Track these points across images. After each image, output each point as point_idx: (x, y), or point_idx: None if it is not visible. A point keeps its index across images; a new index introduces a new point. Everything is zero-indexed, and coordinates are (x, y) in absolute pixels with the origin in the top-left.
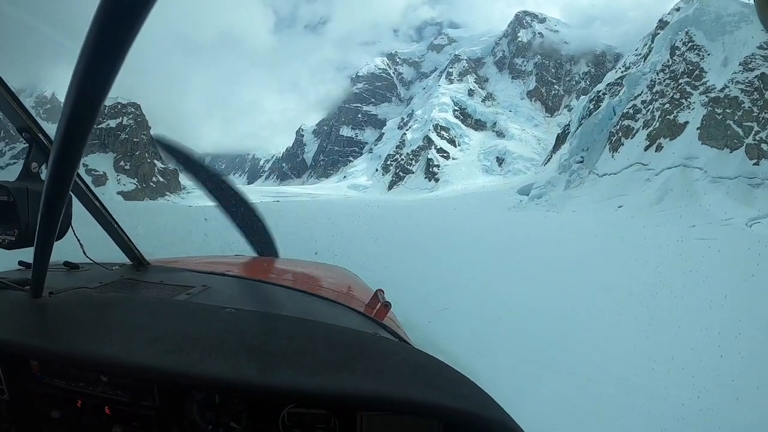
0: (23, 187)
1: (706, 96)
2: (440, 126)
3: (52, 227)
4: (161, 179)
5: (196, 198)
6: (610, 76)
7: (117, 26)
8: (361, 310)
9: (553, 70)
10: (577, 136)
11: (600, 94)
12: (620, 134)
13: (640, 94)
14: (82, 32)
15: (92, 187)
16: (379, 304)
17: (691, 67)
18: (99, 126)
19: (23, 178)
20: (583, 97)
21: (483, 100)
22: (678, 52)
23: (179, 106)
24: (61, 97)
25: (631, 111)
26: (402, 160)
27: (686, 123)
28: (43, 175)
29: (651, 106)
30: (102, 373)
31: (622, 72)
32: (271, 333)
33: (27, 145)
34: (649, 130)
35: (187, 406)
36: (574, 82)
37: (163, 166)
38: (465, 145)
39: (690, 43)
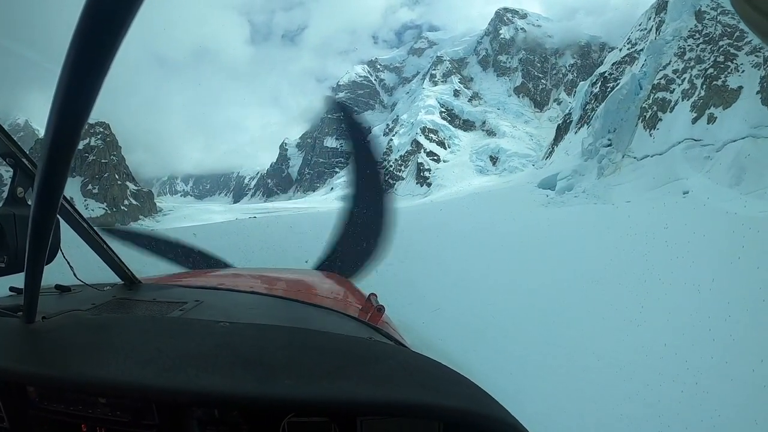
0: (10, 213)
1: (755, 55)
2: (428, 128)
3: (41, 251)
4: (134, 202)
5: (172, 220)
6: (613, 56)
7: (97, 42)
8: (355, 316)
9: (538, 64)
10: (600, 117)
11: (606, 75)
12: (655, 109)
13: (669, 64)
14: (56, 55)
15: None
16: (373, 308)
17: (729, 29)
18: None
19: (9, 203)
20: (582, 83)
21: (469, 100)
22: (708, 17)
23: (158, 127)
24: (35, 125)
25: (662, 82)
26: (390, 166)
27: (740, 87)
28: (29, 200)
29: (687, 74)
30: (100, 396)
31: (628, 49)
32: (266, 344)
33: None
34: (692, 100)
35: (188, 423)
36: (561, 75)
37: (136, 187)
38: (455, 147)
39: (720, 8)
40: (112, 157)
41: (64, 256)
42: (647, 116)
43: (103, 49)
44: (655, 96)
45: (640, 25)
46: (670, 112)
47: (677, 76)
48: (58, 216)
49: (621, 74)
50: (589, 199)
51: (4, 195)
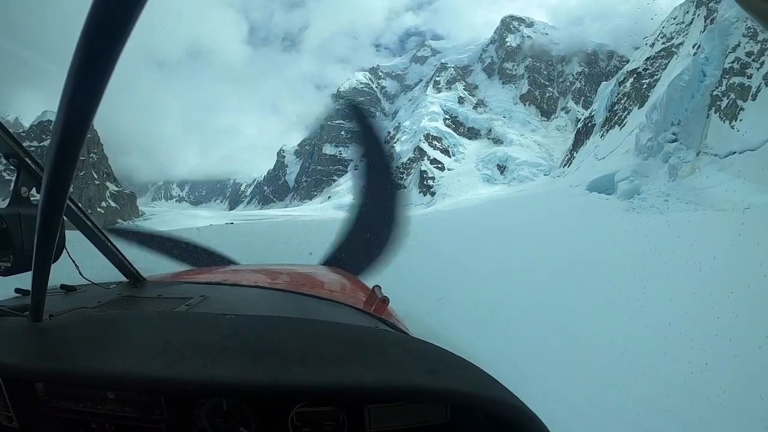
0: (15, 213)
1: None
2: (431, 135)
3: (48, 250)
4: (113, 204)
5: (152, 225)
6: (641, 53)
7: (102, 45)
8: (360, 307)
9: (545, 72)
10: (660, 108)
11: (639, 71)
12: (732, 97)
13: (738, 46)
14: (49, 52)
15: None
16: (378, 299)
17: None
18: (40, 144)
19: (14, 203)
20: (604, 83)
21: (474, 107)
22: None
23: (154, 131)
24: (25, 123)
25: (736, 66)
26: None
27: None
28: (34, 199)
29: (766, 57)
30: (108, 389)
31: (662, 43)
32: (273, 335)
33: None
34: None
35: (196, 416)
36: (568, 83)
37: (117, 188)
38: (460, 155)
39: None
40: (92, 155)
41: (69, 255)
42: (723, 105)
43: (108, 51)
44: (729, 82)
45: (675, 18)
46: (753, 99)
47: (753, 59)
48: (63, 215)
49: (657, 69)
50: (687, 205)
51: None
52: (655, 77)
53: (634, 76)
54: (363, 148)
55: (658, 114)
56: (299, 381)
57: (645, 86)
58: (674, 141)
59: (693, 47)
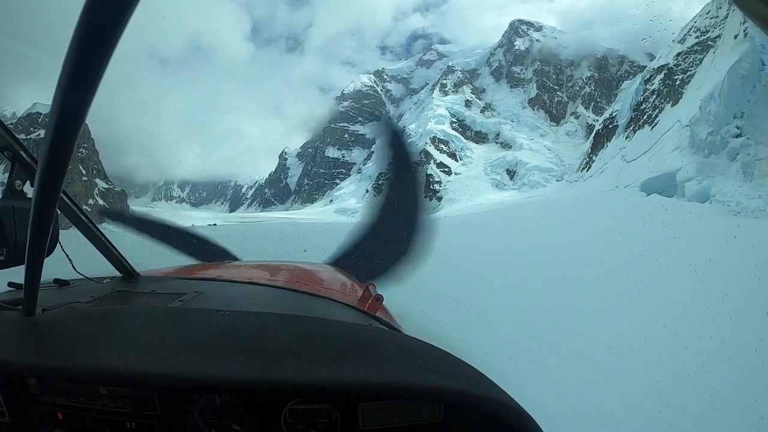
0: (9, 206)
1: None
2: (438, 139)
3: (42, 243)
4: (101, 202)
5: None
6: (669, 50)
7: (97, 37)
8: (354, 305)
9: (553, 76)
10: (721, 98)
11: (671, 66)
12: None
13: None
14: (45, 46)
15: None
16: (372, 297)
17: None
18: (28, 137)
19: (7, 196)
20: (627, 82)
21: (482, 111)
22: None
23: (155, 130)
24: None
25: None
26: None
27: None
28: (28, 193)
29: None
30: (102, 385)
31: (696, 38)
32: (267, 331)
33: None
34: None
35: (189, 413)
36: (577, 88)
37: (106, 186)
38: (467, 159)
39: None
40: (81, 150)
41: (63, 249)
42: None
43: (103, 44)
44: None
45: (708, 13)
46: None
47: None
48: (57, 209)
49: (691, 65)
50: None
51: None
52: (689, 73)
53: (664, 72)
54: (392, 159)
55: (717, 105)
56: (292, 378)
57: (678, 82)
58: (739, 136)
59: (735, 38)
